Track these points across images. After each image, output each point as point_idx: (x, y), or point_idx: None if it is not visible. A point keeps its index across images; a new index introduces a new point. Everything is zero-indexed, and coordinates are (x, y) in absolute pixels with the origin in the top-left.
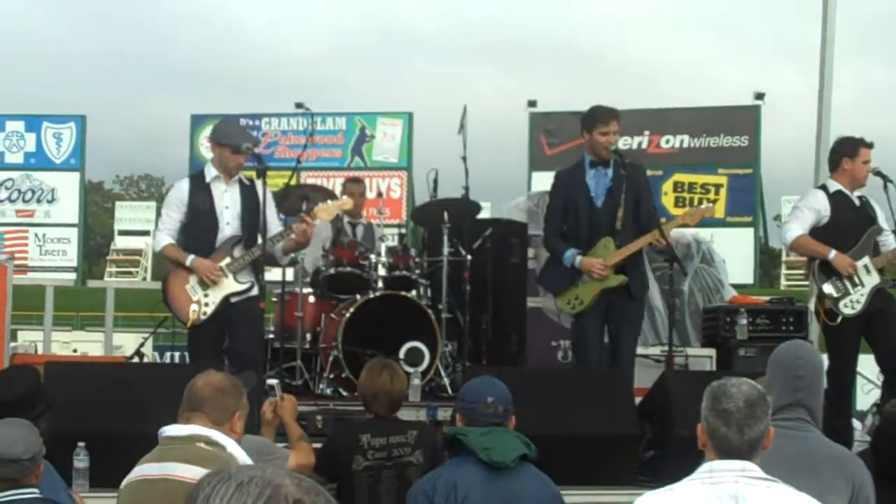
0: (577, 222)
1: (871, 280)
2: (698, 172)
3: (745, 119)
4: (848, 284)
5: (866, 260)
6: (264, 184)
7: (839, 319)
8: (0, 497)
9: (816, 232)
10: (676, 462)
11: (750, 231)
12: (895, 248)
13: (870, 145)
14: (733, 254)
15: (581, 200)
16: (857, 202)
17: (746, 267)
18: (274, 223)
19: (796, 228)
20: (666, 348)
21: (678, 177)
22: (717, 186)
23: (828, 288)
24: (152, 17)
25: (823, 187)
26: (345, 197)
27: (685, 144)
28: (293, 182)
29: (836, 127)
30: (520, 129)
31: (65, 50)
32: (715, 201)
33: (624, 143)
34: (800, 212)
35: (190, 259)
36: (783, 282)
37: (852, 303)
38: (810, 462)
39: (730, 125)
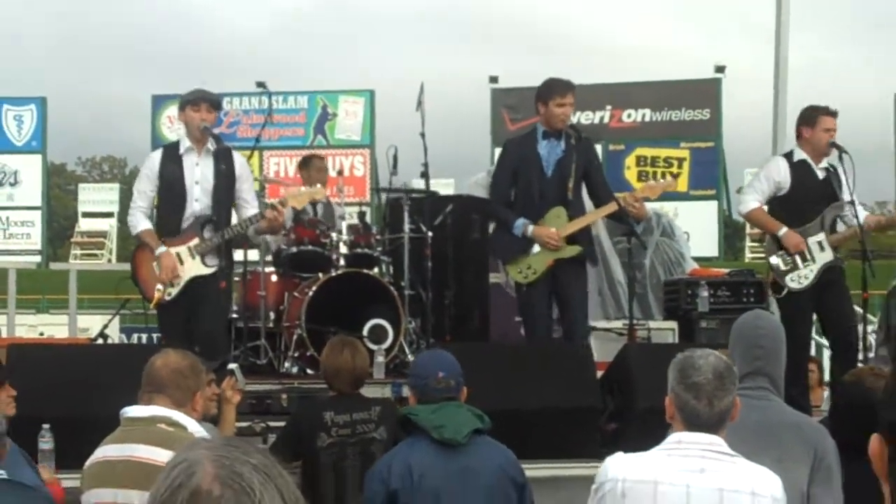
0: (529, 191)
1: (824, 257)
2: (661, 146)
3: (706, 92)
4: (798, 259)
5: (821, 237)
6: (223, 146)
7: (784, 292)
8: None
9: (776, 201)
10: (638, 434)
11: (714, 204)
12: (855, 227)
13: (832, 113)
14: (697, 227)
15: (532, 170)
16: (820, 174)
17: (711, 240)
18: (251, 200)
19: (752, 201)
20: (628, 321)
21: (641, 151)
22: (680, 160)
23: (775, 260)
24: None
25: (788, 155)
26: (318, 185)
27: (647, 118)
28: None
29: (794, 99)
30: (482, 105)
31: (21, 31)
32: (678, 175)
33: (586, 117)
34: (758, 182)
35: (159, 250)
36: (747, 254)
37: (799, 277)
38: (771, 430)
39: (691, 99)
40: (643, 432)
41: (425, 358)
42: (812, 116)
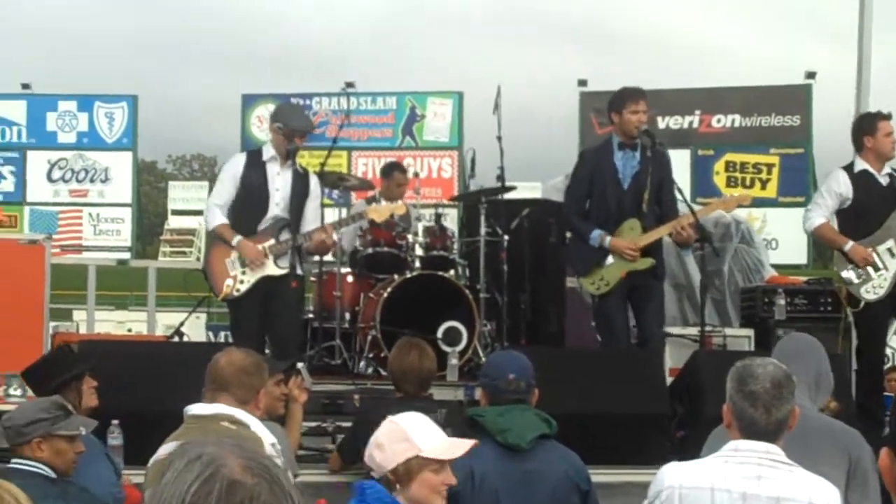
0: (605, 203)
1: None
2: (750, 152)
3: (796, 98)
4: (870, 270)
5: (890, 243)
6: (303, 168)
7: (861, 305)
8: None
9: (841, 214)
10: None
11: (802, 211)
12: None
13: (887, 117)
14: (786, 234)
15: (608, 182)
16: (884, 181)
17: (800, 247)
18: (313, 219)
19: (817, 217)
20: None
21: (730, 156)
22: (769, 166)
23: (847, 274)
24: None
25: (848, 167)
26: (399, 202)
27: (737, 124)
28: (329, 160)
29: (876, 104)
30: (570, 108)
31: (114, 31)
32: (767, 181)
33: (675, 122)
34: (821, 197)
35: (236, 240)
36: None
37: (874, 288)
38: (804, 436)
39: (781, 104)
40: None
41: (498, 359)
42: (871, 124)
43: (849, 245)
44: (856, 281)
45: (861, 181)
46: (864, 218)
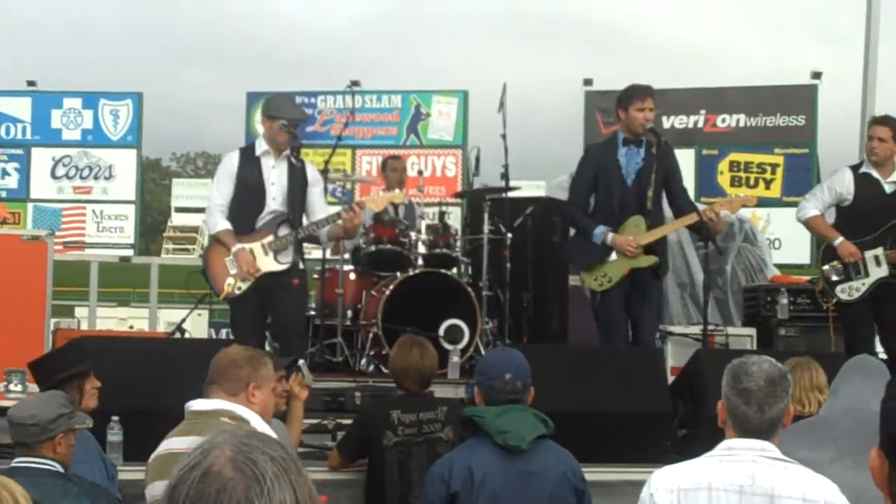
0: (609, 199)
1: (878, 272)
2: (755, 152)
3: (801, 98)
4: (851, 271)
5: (879, 251)
6: (298, 159)
7: (833, 301)
8: (15, 462)
9: (840, 212)
10: (709, 440)
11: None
12: None
13: (877, 120)
14: (790, 233)
15: (612, 178)
16: (888, 188)
17: (804, 247)
18: (320, 205)
19: (811, 208)
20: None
21: (734, 156)
22: (774, 166)
23: (828, 269)
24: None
25: (855, 167)
26: (396, 190)
27: (741, 124)
28: (333, 157)
29: (882, 105)
30: (576, 107)
31: (119, 28)
32: (771, 181)
33: (679, 121)
34: (820, 191)
35: (235, 248)
36: None
37: (850, 289)
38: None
39: (786, 104)
40: (713, 438)
41: (494, 358)
42: (869, 126)
43: (839, 240)
44: (834, 278)
45: (863, 183)
46: (860, 220)
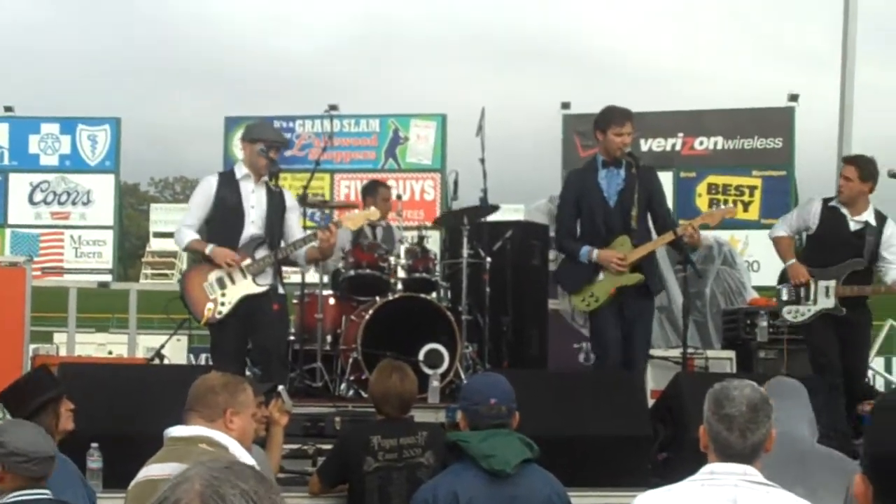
0: (593, 222)
1: (825, 302)
2: (732, 174)
3: (779, 121)
4: (802, 295)
5: (832, 283)
6: (276, 185)
7: (778, 319)
8: (11, 497)
9: (807, 238)
10: (689, 463)
11: None
12: (873, 286)
13: (847, 160)
14: (769, 256)
15: (595, 201)
16: (853, 226)
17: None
18: (297, 229)
19: (781, 229)
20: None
21: (712, 178)
22: (752, 188)
23: (780, 288)
24: (177, 23)
25: (828, 199)
26: (372, 208)
27: (719, 146)
28: (311, 182)
29: (859, 127)
30: (553, 130)
31: (97, 53)
32: (749, 203)
33: (657, 144)
34: (791, 215)
35: (210, 248)
36: None
37: (796, 312)
38: (802, 460)
39: (764, 127)
40: (694, 462)
41: (478, 382)
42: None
43: (791, 262)
44: (785, 297)
45: (829, 216)
46: (820, 252)
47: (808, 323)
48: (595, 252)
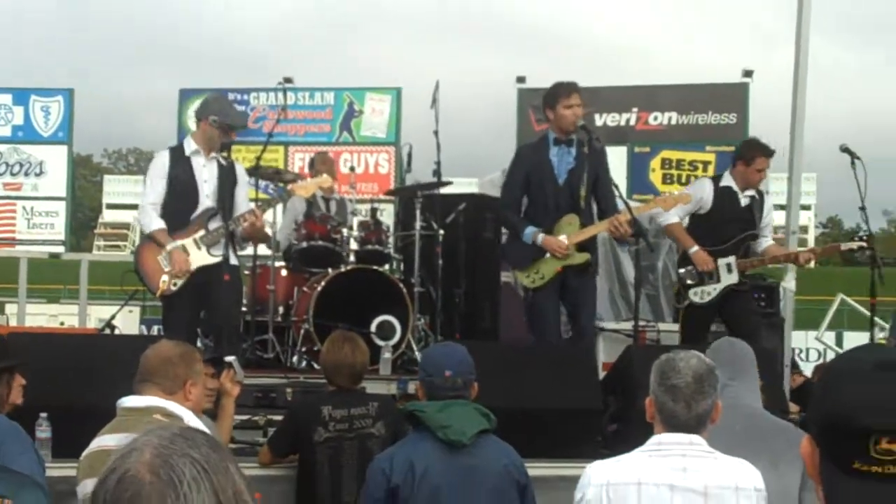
0: (542, 199)
1: (729, 279)
2: (686, 149)
3: (733, 97)
4: (705, 276)
5: (731, 259)
6: (227, 158)
7: (685, 303)
8: None
9: (695, 220)
10: (639, 435)
11: None
12: (766, 251)
13: (768, 153)
14: None
15: (545, 178)
16: (744, 201)
17: None
18: (243, 203)
19: (672, 215)
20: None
21: (666, 153)
22: (705, 164)
23: (683, 273)
24: None
25: (716, 179)
26: (324, 175)
27: (673, 121)
28: (265, 154)
29: (812, 103)
30: (508, 104)
31: (51, 23)
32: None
33: (612, 119)
34: None
35: (170, 247)
36: None
37: (702, 293)
38: (762, 434)
39: (718, 103)
40: (644, 434)
41: (435, 354)
42: (751, 154)
43: (694, 248)
44: (689, 281)
45: (723, 195)
46: (715, 230)
47: (689, 308)
48: (540, 237)
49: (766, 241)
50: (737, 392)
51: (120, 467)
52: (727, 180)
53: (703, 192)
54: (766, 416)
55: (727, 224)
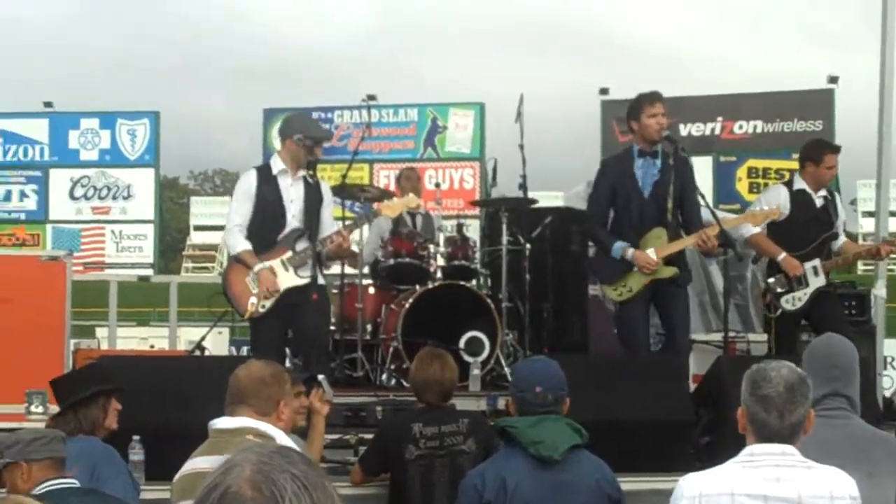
0: (628, 212)
1: (817, 281)
2: (772, 158)
3: (818, 103)
4: (794, 282)
5: (816, 262)
6: (313, 176)
7: (778, 312)
8: (39, 489)
9: (774, 227)
10: (732, 447)
11: None
12: (843, 249)
13: (835, 150)
14: None
15: (630, 191)
16: (818, 202)
17: None
18: (328, 223)
19: (752, 226)
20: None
21: (752, 162)
22: (792, 171)
23: (773, 282)
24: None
25: (788, 183)
26: (411, 195)
27: (758, 130)
28: (350, 172)
29: None
30: (592, 117)
31: (136, 48)
32: None
33: (696, 129)
34: (759, 208)
35: (257, 268)
36: (860, 265)
37: (794, 299)
38: (859, 445)
39: (803, 110)
40: (736, 445)
41: (525, 369)
42: (819, 153)
43: (782, 255)
44: (779, 290)
45: (798, 199)
46: (796, 234)
47: (781, 317)
48: (630, 252)
49: (841, 240)
50: (840, 405)
51: (221, 483)
52: (799, 183)
53: (779, 199)
54: (863, 426)
55: (806, 227)
